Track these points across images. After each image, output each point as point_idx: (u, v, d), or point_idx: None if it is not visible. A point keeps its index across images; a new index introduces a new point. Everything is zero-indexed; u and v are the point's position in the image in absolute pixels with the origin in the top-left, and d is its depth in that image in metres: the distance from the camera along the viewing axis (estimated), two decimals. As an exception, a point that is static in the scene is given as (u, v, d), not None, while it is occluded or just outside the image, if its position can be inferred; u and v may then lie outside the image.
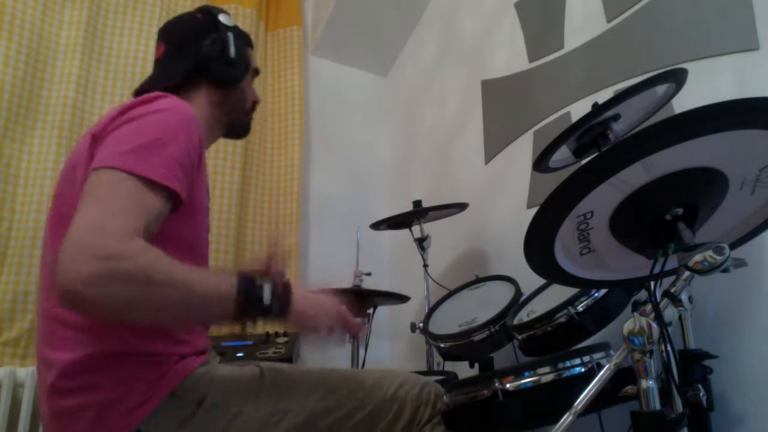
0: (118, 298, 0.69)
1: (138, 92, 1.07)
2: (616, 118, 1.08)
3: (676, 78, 1.04)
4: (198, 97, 1.08)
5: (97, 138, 0.86)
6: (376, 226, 1.94)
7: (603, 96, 1.56)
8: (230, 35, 1.09)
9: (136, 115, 0.85)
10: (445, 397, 1.03)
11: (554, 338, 1.13)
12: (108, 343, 0.83)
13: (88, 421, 0.81)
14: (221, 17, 1.10)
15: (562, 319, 1.11)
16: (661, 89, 1.07)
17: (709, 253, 0.71)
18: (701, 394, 0.90)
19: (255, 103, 1.20)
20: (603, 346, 1.00)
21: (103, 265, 0.68)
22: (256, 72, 1.22)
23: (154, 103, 0.88)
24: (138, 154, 0.80)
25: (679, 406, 0.80)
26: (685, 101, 1.19)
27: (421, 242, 1.93)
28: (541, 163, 1.21)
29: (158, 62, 1.12)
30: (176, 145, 0.84)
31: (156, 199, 0.79)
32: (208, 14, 1.11)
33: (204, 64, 1.07)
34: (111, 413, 0.81)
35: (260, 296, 0.78)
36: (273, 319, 0.81)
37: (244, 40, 1.15)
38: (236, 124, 1.18)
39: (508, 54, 2.05)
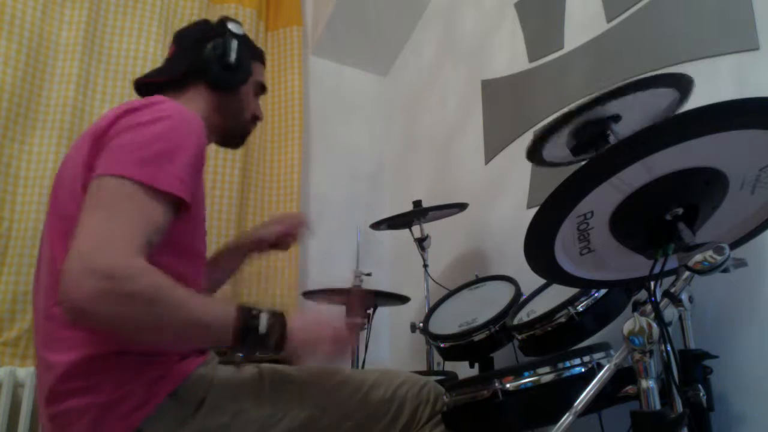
0: (120, 316, 0.72)
1: (138, 84, 1.10)
2: (617, 118, 1.08)
3: (680, 85, 1.02)
4: (195, 97, 1.09)
5: (98, 139, 0.86)
6: (376, 226, 1.94)
7: (603, 96, 1.56)
8: (234, 42, 1.09)
9: (142, 121, 0.85)
10: (445, 397, 1.03)
11: (554, 338, 1.13)
12: (107, 342, 0.83)
13: (87, 423, 0.81)
14: (230, 24, 1.11)
15: (562, 319, 1.11)
16: (664, 100, 1.06)
17: (710, 253, 0.72)
18: (701, 394, 0.90)
19: (256, 117, 1.20)
20: (603, 346, 1.00)
21: (108, 283, 0.69)
22: (263, 88, 1.21)
23: (157, 108, 0.88)
24: (147, 162, 0.80)
25: (679, 406, 0.79)
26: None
27: (421, 242, 1.93)
28: (534, 153, 1.18)
29: (166, 61, 1.14)
30: (185, 153, 0.85)
31: (162, 209, 0.80)
32: (220, 21, 1.13)
33: (203, 64, 1.08)
34: (110, 416, 0.81)
35: (256, 326, 0.79)
36: (269, 350, 0.81)
37: (251, 52, 1.16)
38: (232, 132, 1.17)
39: (508, 54, 2.05)
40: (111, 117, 0.87)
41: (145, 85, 1.11)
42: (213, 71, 1.08)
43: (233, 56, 1.09)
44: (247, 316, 0.79)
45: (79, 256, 0.71)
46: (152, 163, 0.80)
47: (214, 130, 1.13)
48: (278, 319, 0.82)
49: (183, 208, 0.85)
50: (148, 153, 0.81)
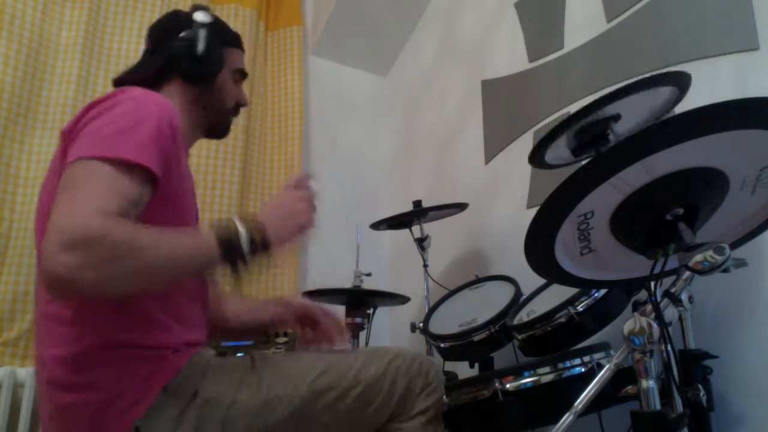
0: (108, 275, 0.72)
1: (115, 82, 1.10)
2: (617, 118, 1.08)
3: (680, 82, 1.03)
4: (171, 92, 1.08)
5: (66, 135, 0.88)
6: (376, 226, 1.94)
7: (603, 96, 1.56)
8: (201, 32, 1.07)
9: (105, 108, 0.87)
10: (444, 397, 1.03)
11: (554, 338, 1.13)
12: (100, 337, 0.84)
13: (85, 420, 0.82)
14: (197, 14, 1.09)
15: (562, 319, 1.11)
16: (663, 95, 1.06)
17: (710, 253, 0.72)
18: (701, 394, 0.90)
19: (239, 104, 1.18)
20: (603, 346, 1.01)
21: (85, 247, 0.70)
22: (242, 74, 1.19)
23: (121, 95, 0.90)
24: (109, 139, 0.81)
25: (679, 406, 0.80)
26: (685, 101, 1.19)
27: (421, 242, 1.92)
28: (536, 156, 1.19)
29: (141, 57, 1.13)
30: (146, 126, 0.85)
31: (132, 182, 0.80)
32: (189, 11, 1.11)
33: (173, 59, 1.07)
34: (108, 412, 0.82)
35: (235, 230, 0.82)
36: (259, 249, 0.83)
37: (222, 38, 1.13)
38: (215, 123, 1.16)
39: (508, 54, 2.05)
40: (79, 113, 0.89)
41: (122, 84, 1.09)
42: (183, 65, 1.07)
43: (201, 47, 1.07)
44: (222, 226, 0.82)
45: (52, 233, 0.71)
46: (112, 138, 0.82)
47: (198, 124, 1.13)
48: (247, 218, 0.85)
49: (155, 181, 0.84)
50: (108, 131, 0.83)
